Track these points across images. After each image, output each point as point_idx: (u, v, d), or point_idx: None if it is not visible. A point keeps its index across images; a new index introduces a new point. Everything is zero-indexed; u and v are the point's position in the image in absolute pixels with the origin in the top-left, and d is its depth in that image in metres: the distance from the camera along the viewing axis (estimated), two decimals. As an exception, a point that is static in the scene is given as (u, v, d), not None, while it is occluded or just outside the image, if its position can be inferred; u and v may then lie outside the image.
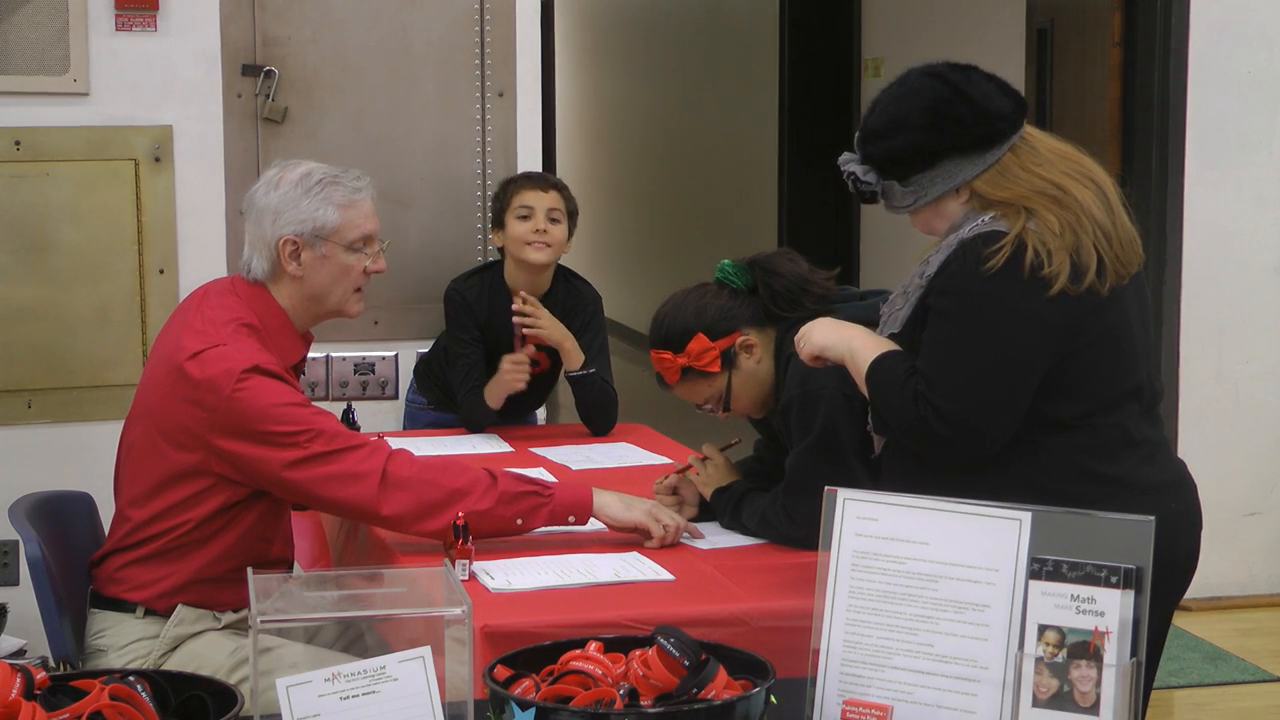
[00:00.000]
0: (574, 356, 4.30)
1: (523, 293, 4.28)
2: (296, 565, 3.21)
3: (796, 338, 2.74)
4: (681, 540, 3.09)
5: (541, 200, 4.32)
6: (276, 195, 3.05)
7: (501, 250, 4.41)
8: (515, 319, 4.26)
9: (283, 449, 2.89)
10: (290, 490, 2.96)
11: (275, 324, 3.06)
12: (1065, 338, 2.50)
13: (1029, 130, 2.62)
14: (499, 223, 4.36)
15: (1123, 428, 2.56)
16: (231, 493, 2.98)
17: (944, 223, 2.62)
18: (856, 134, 2.70)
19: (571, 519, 3.01)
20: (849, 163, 2.67)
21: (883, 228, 7.98)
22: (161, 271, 4.65)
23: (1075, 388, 2.53)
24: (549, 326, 4.26)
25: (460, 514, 2.90)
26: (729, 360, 3.09)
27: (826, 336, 2.68)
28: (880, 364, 2.57)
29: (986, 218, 2.55)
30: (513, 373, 4.24)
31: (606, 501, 3.03)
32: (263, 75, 4.71)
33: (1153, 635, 2.17)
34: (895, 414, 2.54)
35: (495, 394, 4.28)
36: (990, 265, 2.47)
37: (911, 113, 2.59)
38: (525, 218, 4.30)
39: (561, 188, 4.41)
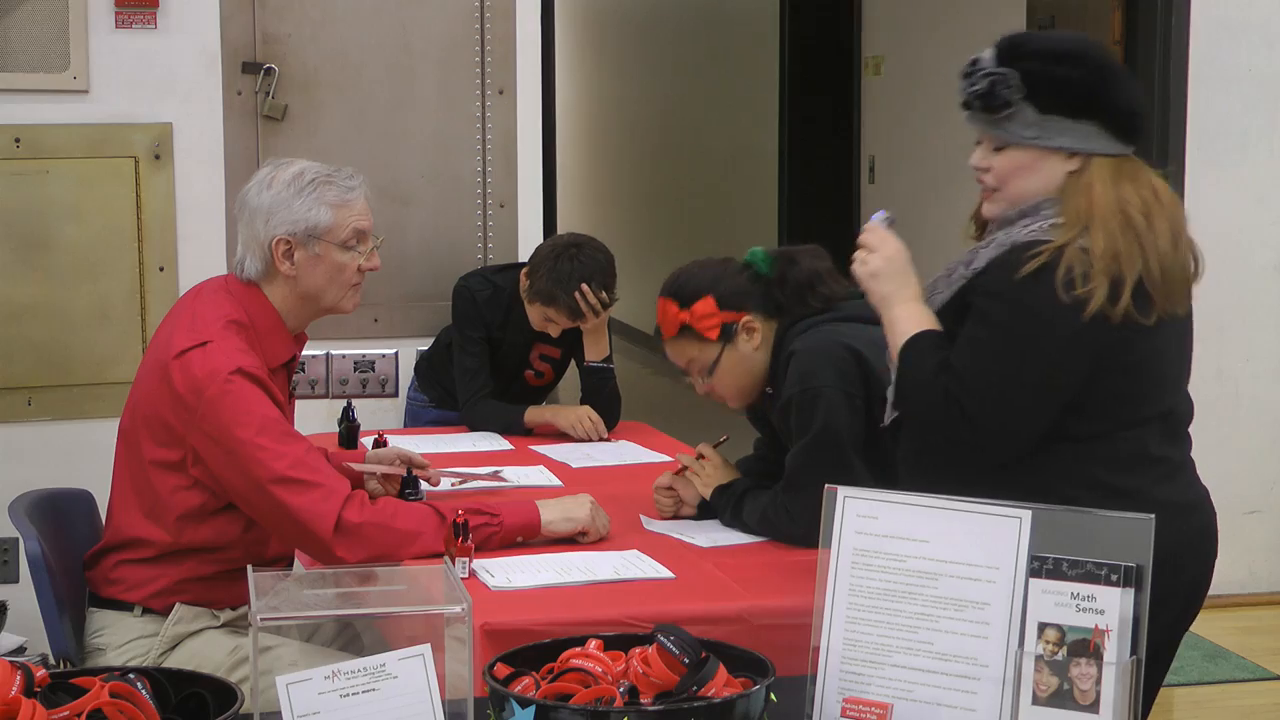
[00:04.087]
0: (603, 345, 4.32)
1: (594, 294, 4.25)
2: (296, 563, 3.21)
3: (862, 252, 2.63)
4: (681, 538, 3.10)
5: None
6: (269, 195, 3.05)
7: (521, 269, 4.39)
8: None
9: (250, 461, 2.89)
10: (249, 504, 2.96)
11: (266, 323, 3.06)
12: (1096, 359, 2.47)
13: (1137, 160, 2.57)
14: (537, 293, 4.26)
15: (1142, 443, 2.53)
16: (212, 494, 2.98)
17: (1025, 180, 2.54)
18: (1003, 42, 2.59)
19: (520, 540, 3.04)
20: (988, 65, 2.55)
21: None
22: (161, 269, 4.65)
23: (1098, 407, 2.50)
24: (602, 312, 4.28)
25: (460, 512, 2.91)
26: (727, 334, 3.09)
27: (886, 268, 2.60)
28: (916, 345, 2.52)
29: (1045, 222, 2.50)
30: (581, 426, 4.20)
31: (551, 518, 3.06)
32: (263, 73, 4.71)
33: (1154, 649, 2.18)
34: (920, 402, 2.51)
35: (542, 420, 4.26)
36: (1024, 270, 2.44)
37: (1090, 57, 2.53)
38: (551, 321, 4.30)
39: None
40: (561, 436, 4.22)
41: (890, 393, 2.60)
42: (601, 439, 4.20)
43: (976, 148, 2.62)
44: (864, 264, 2.61)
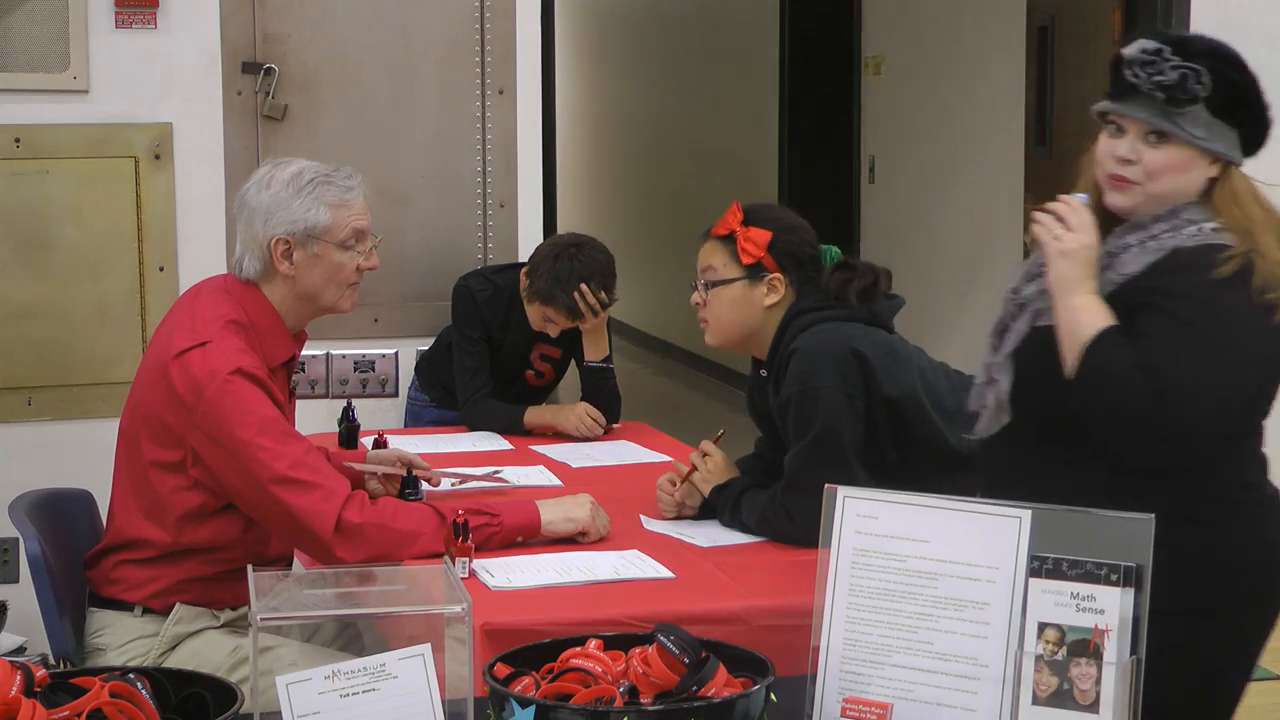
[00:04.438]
0: (602, 345, 4.32)
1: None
2: (296, 562, 3.21)
3: (1056, 226, 2.51)
4: (681, 538, 3.11)
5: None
6: (268, 195, 3.05)
7: (521, 269, 4.39)
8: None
9: (250, 462, 2.90)
10: (250, 504, 2.96)
11: (266, 323, 3.06)
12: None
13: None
14: (536, 293, 4.26)
15: (1256, 447, 2.55)
16: (212, 494, 2.98)
17: (1173, 179, 2.49)
18: (1173, 37, 2.52)
19: (520, 539, 3.05)
20: (1173, 57, 2.47)
21: (882, 228, 7.98)
22: (161, 269, 4.65)
23: (1260, 407, 2.51)
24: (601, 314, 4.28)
25: (460, 512, 2.92)
26: (754, 272, 3.12)
27: (1080, 252, 2.47)
28: (1111, 340, 2.41)
29: (1207, 227, 2.48)
30: (583, 425, 4.21)
31: (551, 518, 3.06)
32: (263, 73, 4.71)
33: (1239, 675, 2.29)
34: (1119, 399, 2.39)
35: (541, 419, 4.26)
36: (1220, 272, 2.41)
37: (1245, 65, 2.53)
38: (550, 321, 4.30)
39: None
40: (561, 436, 4.22)
41: (1076, 391, 2.44)
42: (606, 430, 4.21)
43: (1115, 138, 2.54)
44: (1058, 240, 2.49)
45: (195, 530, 3.00)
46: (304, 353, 3.32)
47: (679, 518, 3.25)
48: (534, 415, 4.26)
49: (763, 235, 3.12)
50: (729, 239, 3.14)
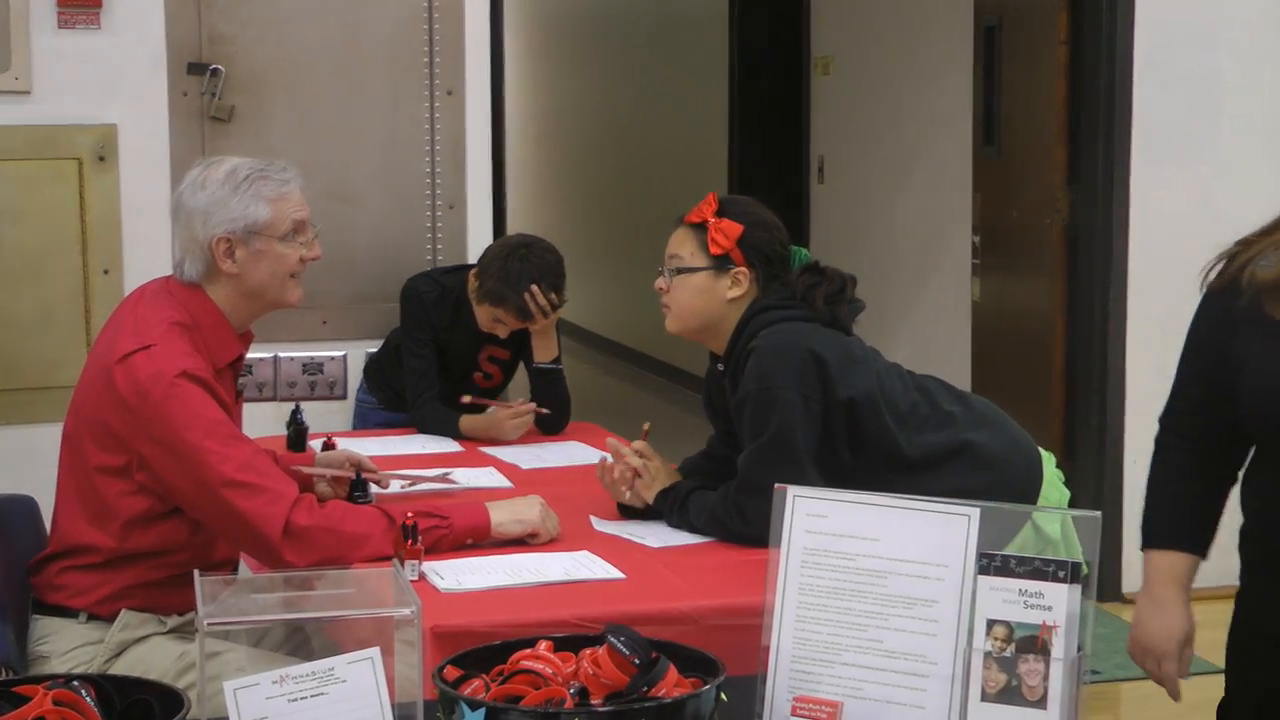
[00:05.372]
0: (552, 346, 4.31)
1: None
2: (243, 566, 3.19)
3: None
4: (631, 539, 3.10)
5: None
6: (205, 195, 3.03)
7: (469, 270, 4.38)
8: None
9: (197, 465, 2.88)
10: (196, 508, 2.94)
11: (211, 324, 3.04)
12: None
13: None
14: (485, 294, 4.25)
15: None
16: (158, 499, 2.96)
17: None
18: None
19: (470, 541, 3.04)
20: None
21: (831, 228, 8.00)
22: (106, 272, 4.61)
23: None
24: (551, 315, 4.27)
25: (410, 514, 2.90)
26: (720, 264, 3.13)
27: None
28: None
29: None
30: (514, 428, 4.18)
31: (501, 520, 3.06)
32: (209, 73, 4.68)
33: None
34: None
35: (476, 430, 4.23)
36: None
37: None
38: (500, 322, 4.28)
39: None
40: (515, 438, 4.21)
41: None
42: (533, 409, 4.20)
43: None
44: None
45: (141, 535, 2.98)
46: (252, 355, 3.31)
47: (635, 515, 3.24)
48: (468, 425, 4.23)
49: (734, 228, 3.13)
50: (701, 228, 3.16)
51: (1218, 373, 2.50)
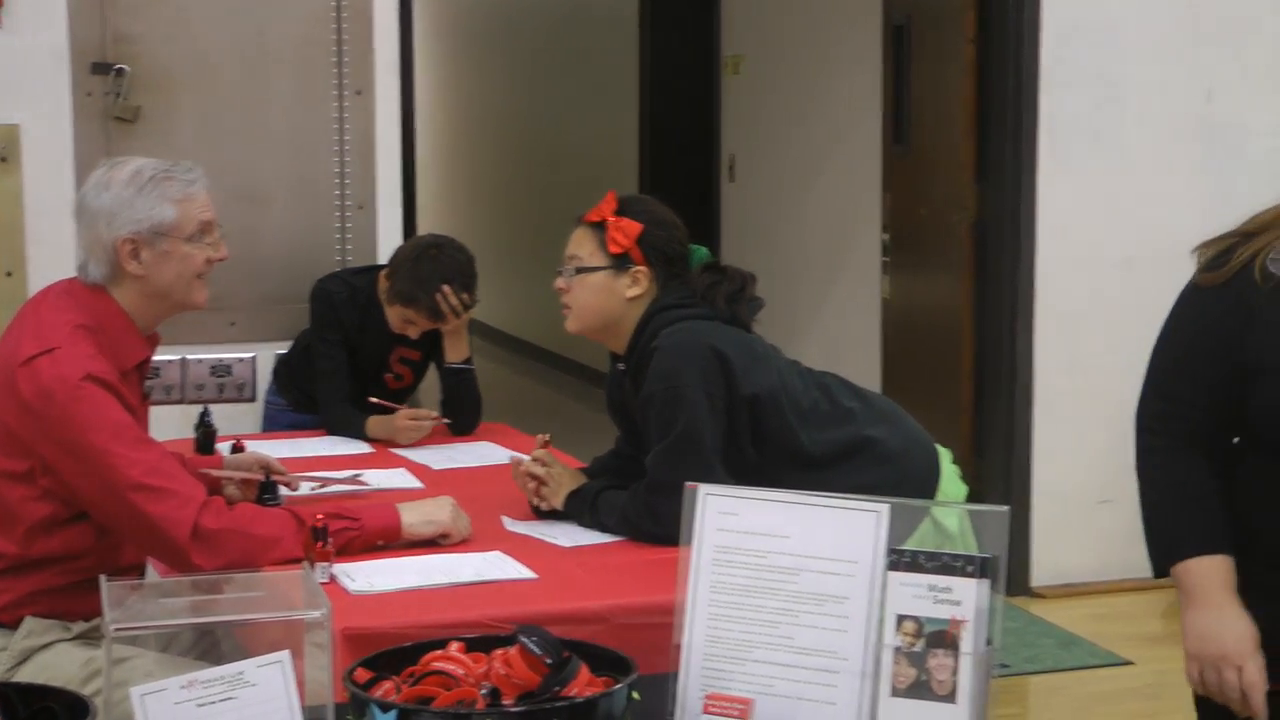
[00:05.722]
0: (463, 346, 4.29)
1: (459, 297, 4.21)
2: (150, 570, 3.15)
3: None
4: (543, 538, 3.10)
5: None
6: (109, 196, 3.00)
7: (380, 271, 4.36)
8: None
9: (104, 469, 2.84)
10: (103, 512, 2.91)
11: (115, 325, 3.01)
12: None
13: None
14: (397, 295, 4.22)
15: None
16: (62, 503, 2.92)
17: None
18: None
19: (381, 543, 3.03)
20: None
21: (742, 227, 8.03)
22: (9, 274, 4.55)
23: None
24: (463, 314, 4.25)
25: (320, 516, 2.89)
26: (620, 263, 3.13)
27: None
28: None
29: None
30: (409, 430, 4.15)
31: (412, 521, 3.05)
32: (114, 73, 4.63)
33: None
34: None
35: (380, 434, 4.20)
36: None
37: None
38: (411, 323, 4.26)
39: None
40: (422, 439, 4.19)
41: None
42: (434, 419, 4.18)
43: None
44: None
45: (45, 541, 2.93)
46: (159, 357, 3.27)
47: (548, 515, 3.24)
48: (372, 426, 4.21)
49: (634, 227, 3.13)
50: (600, 227, 3.15)
51: (1221, 370, 2.39)
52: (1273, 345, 2.35)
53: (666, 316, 3.10)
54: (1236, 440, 2.47)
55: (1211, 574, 2.40)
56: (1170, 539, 2.44)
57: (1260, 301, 2.35)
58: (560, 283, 3.19)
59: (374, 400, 4.21)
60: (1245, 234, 2.40)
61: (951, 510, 2.89)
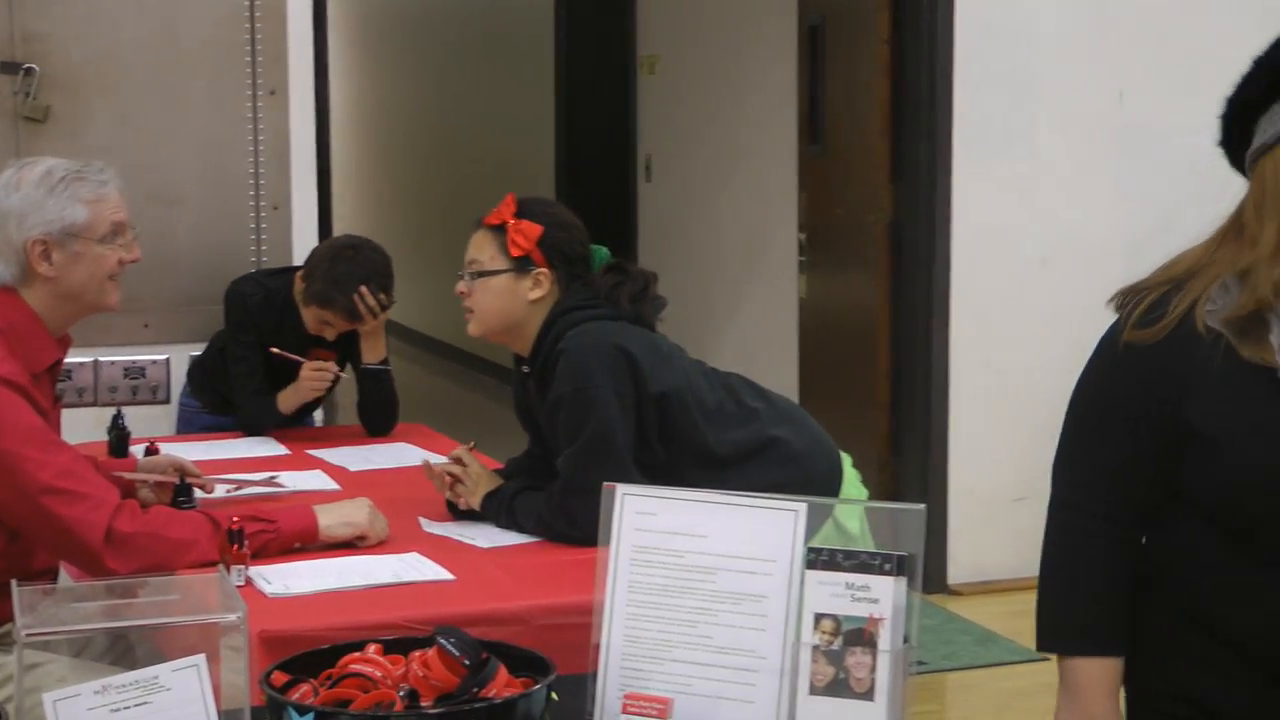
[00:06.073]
0: (380, 347, 4.28)
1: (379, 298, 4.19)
2: (63, 574, 3.12)
3: None
4: (461, 540, 3.10)
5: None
6: (18, 197, 2.96)
7: (295, 272, 4.33)
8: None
9: (14, 472, 2.81)
10: (14, 516, 2.86)
11: (25, 327, 2.97)
12: None
13: None
14: (313, 296, 4.18)
15: None
16: None
17: None
18: None
19: (298, 545, 3.02)
20: None
21: (659, 227, 8.04)
22: (-83, 275, 4.48)
23: None
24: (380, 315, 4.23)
25: (236, 519, 2.86)
26: (521, 266, 3.12)
27: None
28: None
29: None
30: (312, 379, 4.17)
31: (328, 523, 3.04)
32: (22, 72, 4.57)
33: None
34: None
35: (291, 401, 4.21)
36: None
37: None
38: (328, 324, 4.24)
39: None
40: (339, 440, 4.17)
41: None
42: (336, 372, 4.20)
43: None
44: None
45: (-48, 546, 2.89)
46: (71, 360, 3.23)
47: (466, 516, 3.23)
48: (283, 400, 4.21)
49: (534, 229, 3.12)
50: (500, 229, 3.14)
51: (1152, 442, 2.13)
52: (1222, 412, 2.08)
53: (571, 318, 3.10)
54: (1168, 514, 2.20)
55: (1098, 677, 2.20)
56: (1061, 625, 2.24)
57: (1202, 361, 2.07)
58: (461, 287, 3.18)
59: (275, 351, 4.19)
60: (1173, 281, 2.13)
61: (853, 512, 2.91)
